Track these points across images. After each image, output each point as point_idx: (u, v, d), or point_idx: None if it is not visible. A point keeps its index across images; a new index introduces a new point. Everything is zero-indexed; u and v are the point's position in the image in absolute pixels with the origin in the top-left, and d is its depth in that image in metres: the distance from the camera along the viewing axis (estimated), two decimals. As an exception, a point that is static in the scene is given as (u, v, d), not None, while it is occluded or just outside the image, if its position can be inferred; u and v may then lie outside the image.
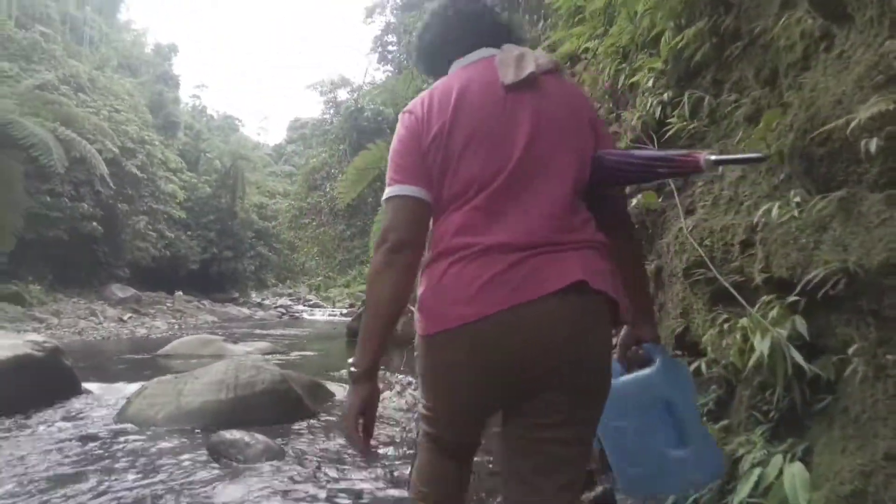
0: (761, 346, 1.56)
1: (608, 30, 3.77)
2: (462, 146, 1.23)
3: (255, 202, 30.16)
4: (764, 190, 1.92)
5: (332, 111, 19.41)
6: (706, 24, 2.44)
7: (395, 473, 3.08)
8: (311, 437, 3.94)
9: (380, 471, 3.16)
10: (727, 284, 1.84)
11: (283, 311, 24.33)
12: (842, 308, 1.46)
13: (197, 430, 3.96)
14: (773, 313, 1.62)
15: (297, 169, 34.60)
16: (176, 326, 16.89)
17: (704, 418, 1.88)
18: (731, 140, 2.33)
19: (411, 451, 2.97)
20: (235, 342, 9.17)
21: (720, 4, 2.45)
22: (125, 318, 17.58)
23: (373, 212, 13.21)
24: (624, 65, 3.47)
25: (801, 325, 1.53)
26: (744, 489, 1.53)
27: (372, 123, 18.01)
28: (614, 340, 1.37)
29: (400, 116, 1.33)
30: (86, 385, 5.49)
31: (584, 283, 1.15)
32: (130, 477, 3.11)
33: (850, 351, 1.37)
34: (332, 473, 3.14)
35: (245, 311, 23.58)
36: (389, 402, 4.65)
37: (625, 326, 1.40)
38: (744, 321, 1.74)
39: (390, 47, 19.46)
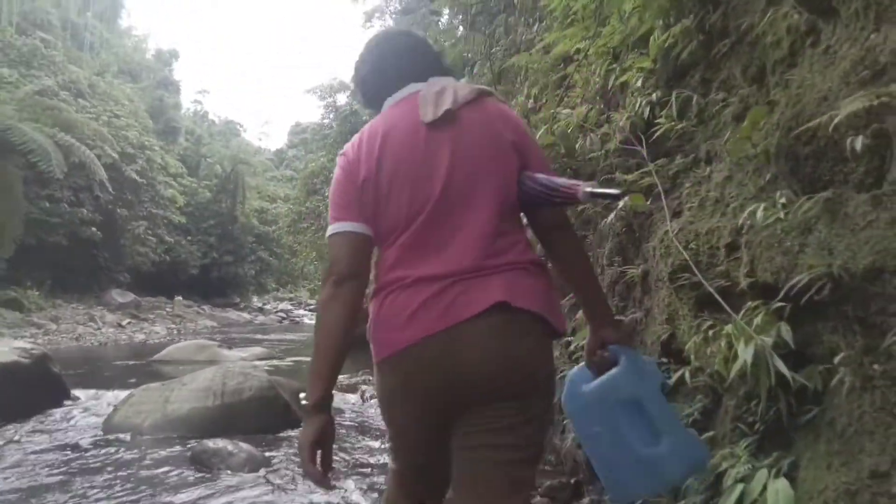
0: (745, 354, 1.48)
1: (601, 31, 3.71)
2: (388, 188, 1.30)
3: (256, 207, 30.14)
4: (750, 191, 1.85)
5: (331, 115, 19.40)
6: (693, 21, 2.38)
7: (378, 483, 3.01)
8: (296, 446, 3.87)
9: (362, 480, 3.09)
10: (711, 290, 1.77)
11: (284, 315, 24.29)
12: (828, 315, 1.39)
13: (182, 439, 3.89)
14: (758, 320, 1.54)
15: (297, 173, 34.63)
16: (175, 332, 16.85)
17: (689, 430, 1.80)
18: (719, 140, 2.26)
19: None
20: (230, 347, 9.12)
21: (708, 1, 2.38)
22: (124, 323, 17.54)
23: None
24: (614, 65, 3.41)
25: (786, 332, 1.46)
26: (727, 505, 1.45)
27: (370, 127, 17.92)
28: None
29: (337, 159, 1.43)
30: (75, 392, 5.44)
31: (505, 304, 1.22)
32: (111, 487, 3.05)
33: (836, 360, 1.30)
34: (316, 487, 3.07)
35: (245, 315, 23.54)
36: (376, 410, 4.58)
37: (588, 332, 1.43)
38: (729, 328, 1.66)
39: (389, 51, 19.45)
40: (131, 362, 8.66)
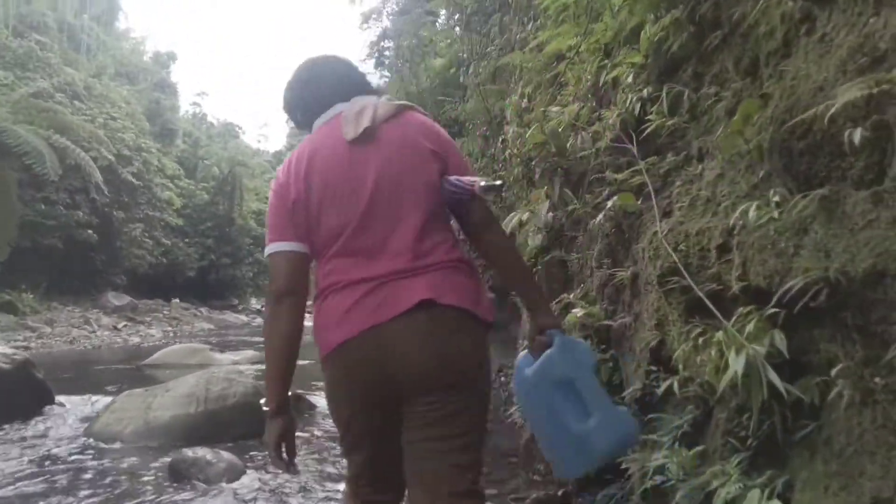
0: (736, 364, 1.37)
1: (593, 28, 3.61)
2: (318, 207, 1.41)
3: (254, 209, 30.00)
4: (743, 189, 1.74)
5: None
6: (683, 12, 2.27)
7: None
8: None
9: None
10: (701, 294, 1.66)
11: (281, 317, 24.11)
12: (825, 322, 1.28)
13: (164, 447, 3.78)
14: (750, 327, 1.43)
15: (295, 175, 34.42)
16: (171, 334, 16.73)
17: (677, 444, 1.69)
18: (712, 136, 2.15)
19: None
20: (223, 351, 9.01)
21: (699, -9, 2.28)
22: (120, 326, 17.42)
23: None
24: (606, 62, 3.31)
25: (780, 341, 1.35)
26: (717, 528, 1.35)
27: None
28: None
29: (271, 182, 1.53)
30: (60, 398, 5.33)
31: (431, 301, 1.32)
32: (83, 499, 2.93)
33: (834, 372, 1.19)
34: (294, 495, 2.96)
35: (243, 317, 23.42)
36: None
37: (528, 320, 1.57)
38: (719, 335, 1.56)
39: (387, 53, 19.37)
40: (122, 366, 8.55)
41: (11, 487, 3.10)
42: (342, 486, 2.92)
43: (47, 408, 4.92)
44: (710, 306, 1.61)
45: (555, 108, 3.79)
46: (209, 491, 2.97)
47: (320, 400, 5.18)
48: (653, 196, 2.32)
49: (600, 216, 2.59)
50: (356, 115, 1.43)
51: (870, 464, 1.08)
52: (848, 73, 1.37)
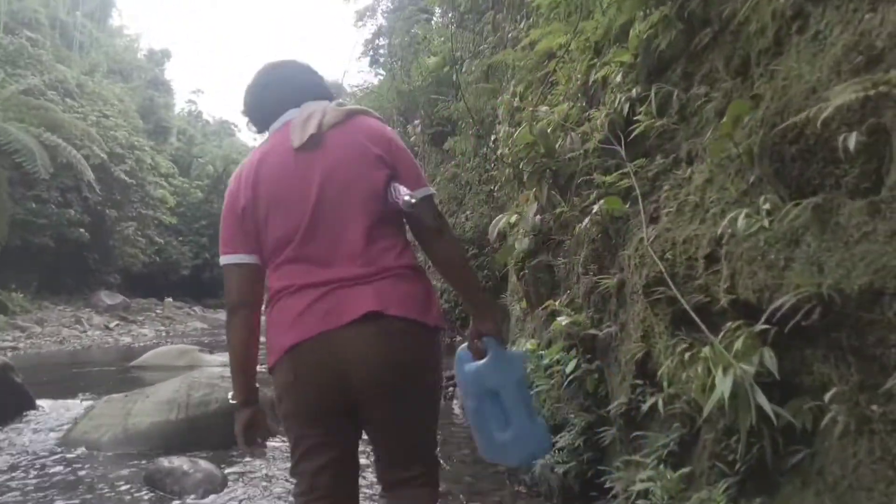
0: (723, 385, 1.28)
1: (584, 26, 3.52)
2: (265, 214, 1.43)
3: (249, 207, 29.78)
4: (732, 195, 1.65)
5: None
6: (671, 8, 2.18)
7: None
8: (264, 461, 3.66)
9: None
10: (688, 307, 1.57)
11: (275, 317, 23.98)
12: (817, 342, 1.19)
13: (142, 455, 3.67)
14: (739, 344, 1.34)
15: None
16: (164, 334, 16.58)
17: (663, 465, 1.60)
18: (701, 138, 2.06)
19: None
20: (212, 351, 8.88)
21: (689, -13, 2.18)
22: (111, 325, 17.26)
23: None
24: (595, 60, 3.21)
25: (769, 360, 1.26)
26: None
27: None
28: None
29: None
30: (41, 401, 5.21)
31: (377, 313, 1.35)
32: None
33: (828, 397, 1.10)
34: (274, 507, 2.87)
35: (236, 317, 23.22)
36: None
37: (471, 322, 1.59)
38: (706, 350, 1.47)
39: (381, 51, 19.23)
40: (109, 368, 8.43)
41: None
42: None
43: (27, 413, 4.80)
44: (697, 320, 1.52)
45: (544, 108, 3.70)
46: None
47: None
48: (640, 200, 2.23)
49: (587, 220, 2.50)
50: (303, 121, 1.45)
51: (866, 501, 0.99)
52: (842, 74, 1.27)
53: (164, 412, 3.97)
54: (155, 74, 30.33)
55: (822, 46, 1.41)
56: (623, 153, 2.53)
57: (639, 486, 1.60)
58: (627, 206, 2.41)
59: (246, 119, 1.64)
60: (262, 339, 1.52)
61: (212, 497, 2.95)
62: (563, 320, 2.46)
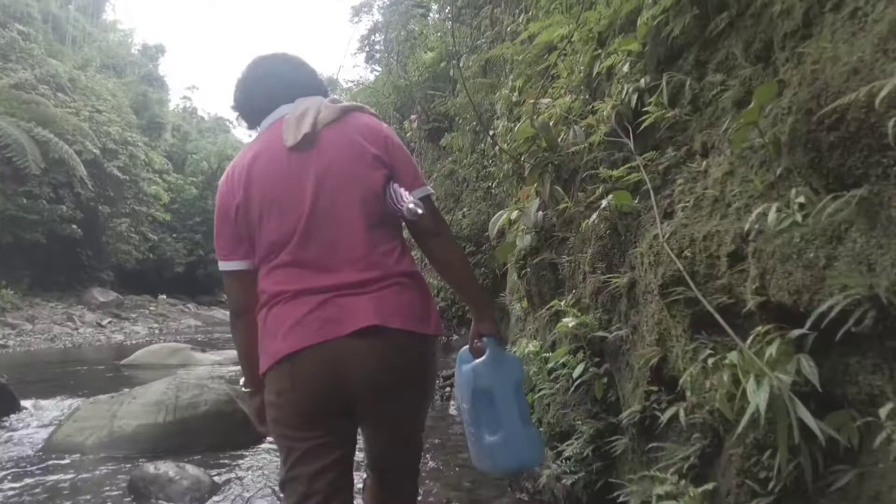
0: (757, 397, 1.16)
1: (587, 16, 3.39)
2: (258, 215, 1.38)
3: (243, 204, 29.58)
4: (757, 188, 1.53)
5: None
6: (686, -10, 2.05)
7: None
8: (254, 465, 3.53)
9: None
10: (712, 309, 1.45)
11: (270, 314, 23.80)
12: (866, 349, 1.07)
13: (128, 459, 3.54)
14: (772, 350, 1.22)
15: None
16: (157, 331, 16.39)
17: (683, 480, 1.48)
18: (717, 129, 1.94)
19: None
20: (204, 350, 8.74)
21: (703, -31, 2.06)
22: (104, 322, 17.06)
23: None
24: (600, 51, 3.09)
25: (809, 369, 1.14)
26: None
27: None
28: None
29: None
30: (27, 402, 5.08)
31: (377, 326, 1.31)
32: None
33: (884, 413, 0.98)
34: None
35: (230, 314, 23.05)
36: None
37: (472, 323, 1.59)
38: (733, 356, 1.34)
39: (377, 46, 19.07)
40: (100, 366, 8.26)
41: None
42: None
43: (10, 415, 4.65)
44: (722, 322, 1.39)
45: (545, 101, 3.58)
46: (169, 513, 2.74)
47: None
48: (652, 195, 2.10)
49: (594, 216, 2.38)
50: (297, 119, 1.40)
51: (931, 533, 0.86)
52: (889, 53, 1.15)
53: (151, 414, 3.83)
54: (149, 70, 30.04)
55: (862, 24, 1.28)
56: (632, 146, 2.41)
57: (657, 503, 1.47)
58: (637, 200, 2.29)
59: (236, 114, 1.58)
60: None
61: (199, 505, 2.81)
62: (569, 321, 2.34)
